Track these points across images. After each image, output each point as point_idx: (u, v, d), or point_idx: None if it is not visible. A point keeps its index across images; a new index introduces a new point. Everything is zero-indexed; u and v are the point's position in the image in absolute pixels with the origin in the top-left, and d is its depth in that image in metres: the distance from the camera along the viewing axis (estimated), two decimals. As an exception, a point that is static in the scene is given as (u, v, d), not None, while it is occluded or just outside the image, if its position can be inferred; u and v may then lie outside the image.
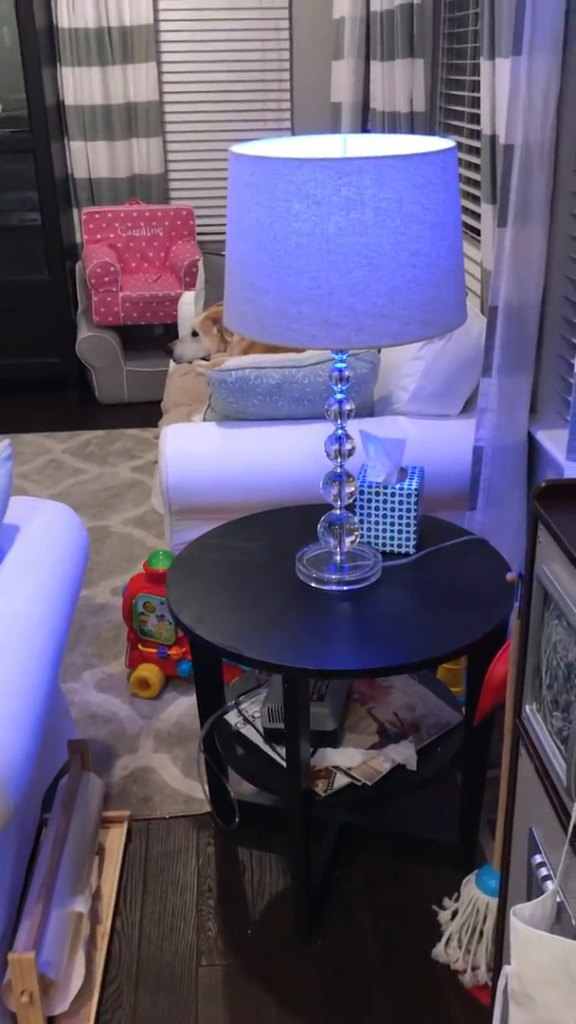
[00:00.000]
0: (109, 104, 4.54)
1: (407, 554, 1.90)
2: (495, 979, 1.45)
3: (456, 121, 3.28)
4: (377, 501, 1.87)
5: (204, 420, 2.65)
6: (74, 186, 4.68)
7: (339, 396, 1.69)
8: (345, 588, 1.77)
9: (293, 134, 4.76)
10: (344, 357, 1.67)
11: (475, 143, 3.03)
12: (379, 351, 2.71)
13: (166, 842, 2.06)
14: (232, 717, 1.98)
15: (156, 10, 4.49)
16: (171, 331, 4.62)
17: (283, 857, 2.02)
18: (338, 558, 1.81)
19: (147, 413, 4.37)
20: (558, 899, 1.08)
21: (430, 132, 3.38)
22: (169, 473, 2.42)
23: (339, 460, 1.74)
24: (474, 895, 1.74)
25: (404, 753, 1.83)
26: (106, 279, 4.24)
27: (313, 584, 1.79)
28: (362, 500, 1.88)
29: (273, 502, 2.43)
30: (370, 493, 1.87)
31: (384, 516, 1.88)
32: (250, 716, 1.97)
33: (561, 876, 1.08)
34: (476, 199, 3.02)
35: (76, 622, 2.85)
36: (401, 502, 1.86)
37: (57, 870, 1.77)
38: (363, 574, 1.79)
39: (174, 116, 4.71)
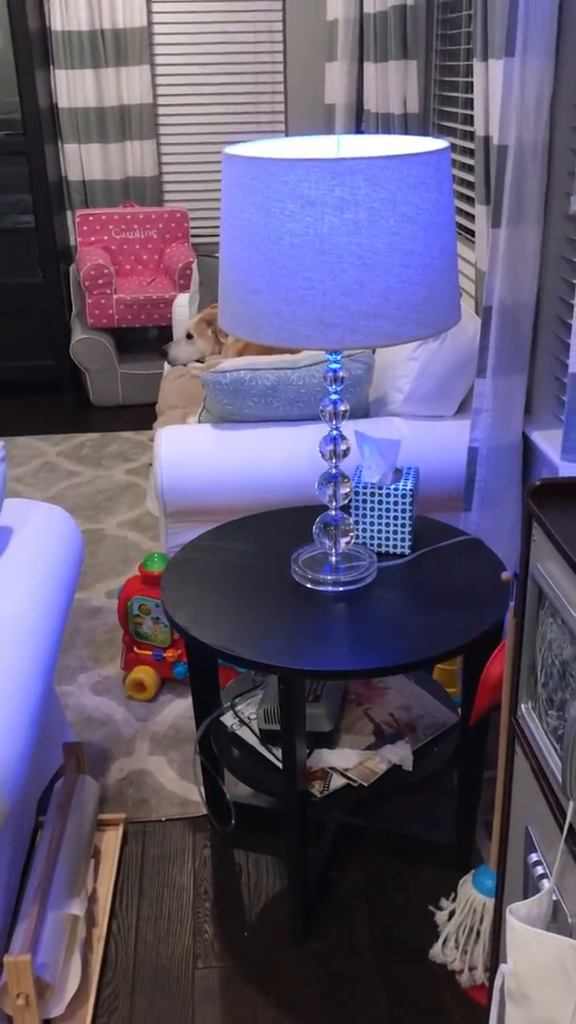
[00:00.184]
0: (103, 106, 4.55)
1: (402, 555, 1.90)
2: (492, 978, 1.45)
3: (450, 122, 3.29)
4: (372, 502, 1.87)
5: (199, 422, 2.65)
6: (68, 188, 4.68)
7: (334, 397, 1.69)
8: (341, 589, 1.77)
9: (287, 136, 4.77)
10: (339, 358, 1.67)
11: (469, 144, 3.04)
12: (374, 352, 2.71)
13: (162, 845, 2.06)
14: (228, 719, 1.98)
15: (149, 12, 4.50)
16: (165, 333, 4.62)
17: (279, 859, 2.02)
18: (333, 559, 1.81)
19: (142, 416, 4.37)
20: (554, 897, 1.08)
21: (424, 133, 3.38)
22: (164, 475, 2.42)
23: (334, 461, 1.74)
24: (471, 895, 1.74)
25: (400, 754, 1.83)
26: (100, 281, 4.23)
27: (309, 585, 1.79)
28: (357, 501, 1.88)
29: (268, 504, 2.43)
30: (365, 494, 1.87)
31: (379, 517, 1.88)
32: (246, 718, 1.96)
33: (557, 874, 1.08)
34: (470, 200, 3.03)
35: (71, 625, 2.84)
36: (396, 503, 1.86)
37: (53, 873, 1.77)
38: (358, 575, 1.79)
39: (168, 118, 4.71)
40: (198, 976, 1.77)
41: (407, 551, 1.89)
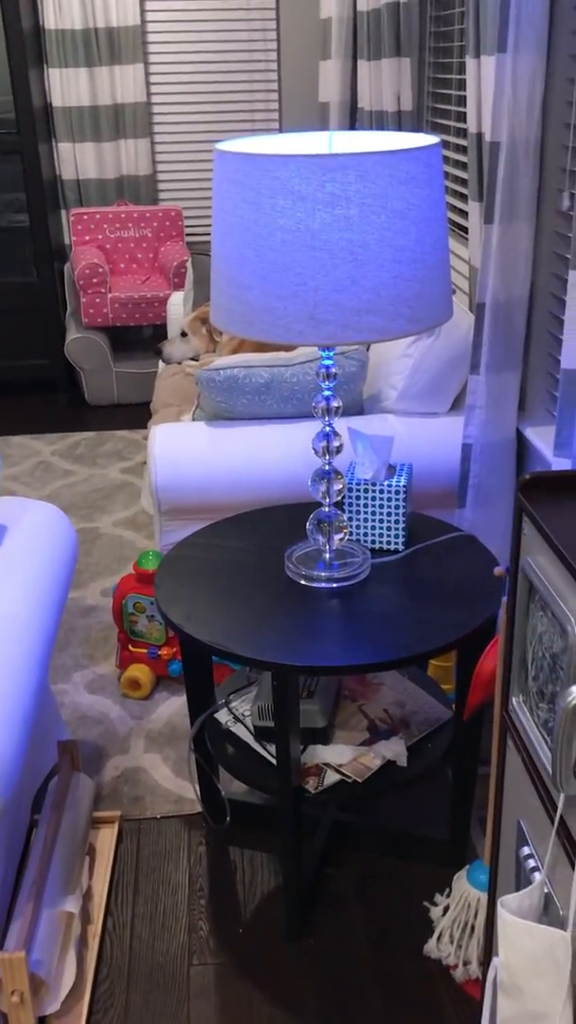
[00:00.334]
0: (96, 105, 4.54)
1: (396, 551, 1.90)
2: (485, 973, 1.45)
3: (443, 120, 3.29)
4: (366, 498, 1.88)
5: (193, 420, 2.65)
6: (62, 187, 4.67)
7: (327, 393, 1.69)
8: (334, 585, 1.77)
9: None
10: (331, 354, 1.68)
11: (462, 141, 3.04)
12: (368, 349, 2.71)
13: (157, 842, 2.06)
14: (222, 716, 1.98)
15: (143, 11, 4.49)
16: (160, 332, 4.62)
17: (274, 856, 2.02)
18: (327, 555, 1.81)
19: (137, 414, 4.37)
20: (545, 890, 1.08)
21: (418, 130, 3.38)
22: (158, 473, 2.42)
23: (327, 457, 1.74)
24: (465, 891, 1.74)
25: (394, 749, 1.84)
26: (95, 280, 4.23)
27: (302, 582, 1.79)
28: (351, 497, 1.88)
29: (262, 501, 2.43)
30: (359, 490, 1.87)
31: (373, 513, 1.88)
32: (240, 714, 1.97)
33: (548, 867, 1.08)
34: (464, 197, 3.03)
35: (66, 623, 2.84)
36: (390, 499, 1.86)
37: (48, 870, 1.77)
38: (352, 571, 1.79)
39: (162, 117, 4.71)
40: (193, 973, 1.78)
41: (401, 547, 1.90)
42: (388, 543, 1.90)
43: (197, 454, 2.45)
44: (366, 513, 1.89)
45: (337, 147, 1.66)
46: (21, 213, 4.39)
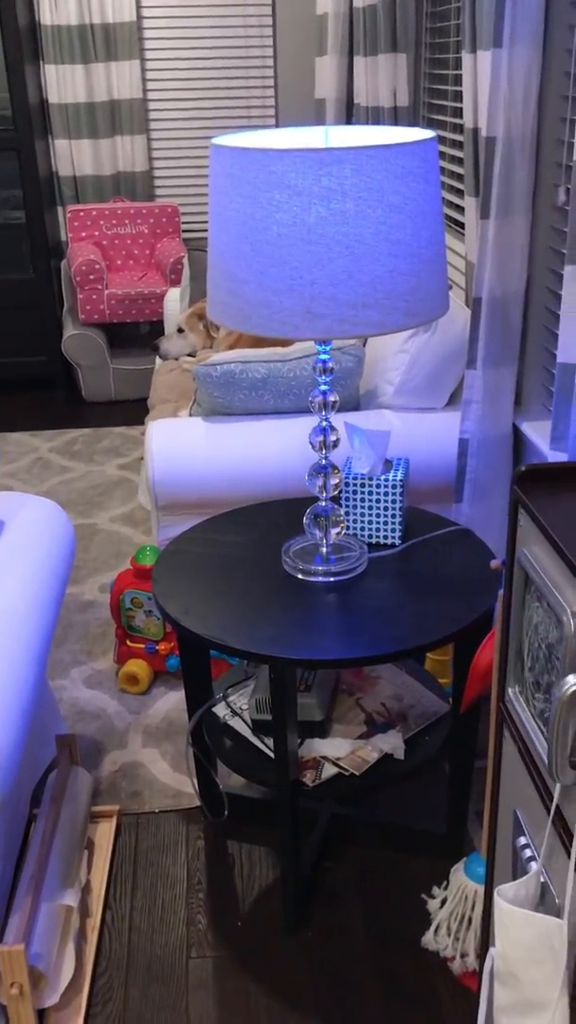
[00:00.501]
0: (93, 101, 4.54)
1: (393, 545, 1.90)
2: (482, 964, 1.46)
3: (439, 115, 3.29)
4: (363, 492, 1.88)
5: (190, 415, 2.66)
6: (59, 184, 4.67)
7: (323, 387, 1.70)
8: (331, 579, 1.78)
9: (277, 131, 4.76)
10: (328, 348, 1.68)
11: (458, 137, 3.04)
12: (364, 344, 2.72)
13: (155, 836, 2.07)
14: (220, 710, 1.98)
15: (139, 7, 4.49)
16: (157, 328, 4.62)
17: (272, 849, 2.03)
18: (324, 550, 1.82)
19: (133, 411, 4.37)
20: (541, 879, 1.09)
21: (414, 126, 3.39)
22: (155, 468, 2.42)
23: (324, 452, 1.74)
24: (462, 883, 1.75)
25: (392, 742, 1.84)
26: (91, 277, 4.23)
27: (300, 576, 1.79)
28: (347, 492, 1.89)
29: (259, 496, 2.44)
30: (355, 485, 1.88)
31: (370, 507, 1.89)
32: (238, 708, 1.97)
33: (544, 856, 1.09)
34: (460, 193, 3.03)
35: (64, 619, 2.85)
36: (386, 493, 1.87)
37: (46, 864, 1.78)
38: (349, 565, 1.80)
39: (158, 113, 4.71)
40: (192, 966, 1.78)
41: (397, 541, 1.90)
42: (385, 537, 1.90)
43: (194, 449, 2.46)
44: (363, 507, 1.89)
45: (333, 142, 1.67)
46: (18, 210, 4.39)
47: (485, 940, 1.45)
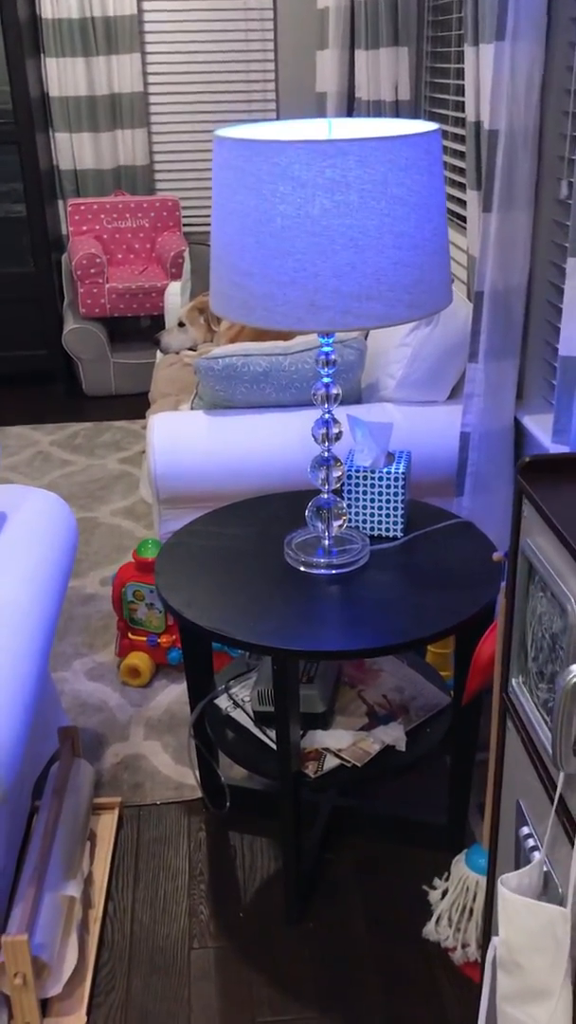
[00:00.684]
0: (94, 95, 4.53)
1: (395, 538, 1.91)
2: (484, 955, 1.47)
3: (441, 109, 3.29)
4: (365, 485, 1.88)
5: (192, 408, 2.66)
6: (59, 177, 4.67)
7: (326, 380, 1.70)
8: (333, 572, 1.78)
9: (278, 125, 4.75)
10: (331, 341, 1.68)
11: (460, 131, 3.04)
12: (366, 337, 2.72)
13: (157, 828, 2.07)
14: (222, 702, 1.99)
15: (140, 0, 4.48)
16: (158, 322, 4.62)
17: (274, 841, 2.03)
18: (326, 542, 1.82)
19: (134, 405, 4.37)
20: (544, 868, 1.09)
21: (415, 120, 3.38)
22: (157, 461, 2.42)
23: (326, 444, 1.74)
24: (464, 874, 1.76)
25: (393, 734, 1.85)
26: (92, 271, 4.23)
27: (302, 568, 1.80)
28: (350, 484, 1.89)
29: (261, 489, 2.44)
30: (358, 477, 1.88)
31: (372, 500, 1.89)
32: (240, 700, 1.98)
33: (547, 846, 1.09)
34: (462, 187, 3.03)
35: (65, 612, 2.85)
36: (389, 486, 1.87)
37: (49, 855, 1.78)
38: (351, 558, 1.80)
39: (159, 107, 4.70)
40: (194, 956, 1.79)
41: (399, 534, 1.91)
42: (387, 530, 1.91)
43: (196, 443, 2.46)
44: (365, 500, 1.89)
45: (337, 134, 1.67)
46: (18, 203, 4.39)
47: (487, 930, 1.46)
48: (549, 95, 2.12)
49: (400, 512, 1.88)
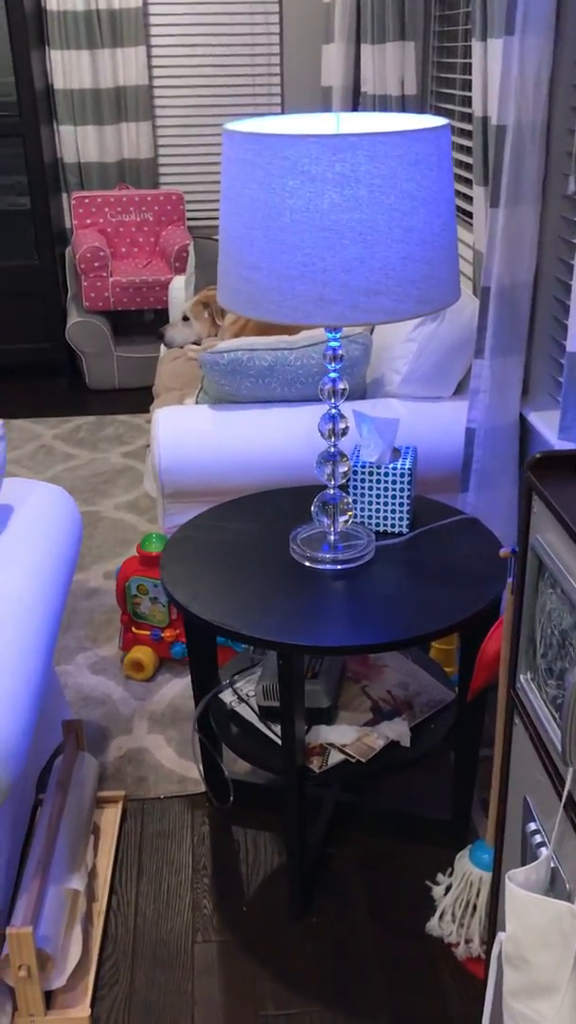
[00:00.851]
0: (98, 88, 4.53)
1: (400, 534, 1.91)
2: (489, 950, 1.47)
3: (448, 104, 3.28)
4: (371, 481, 1.88)
5: (196, 403, 2.65)
6: (63, 170, 4.66)
7: (333, 375, 1.69)
8: (339, 567, 1.78)
9: (283, 119, 4.74)
10: (338, 335, 1.68)
11: (467, 126, 3.03)
12: (371, 332, 2.72)
13: (161, 821, 2.08)
14: (227, 696, 1.99)
15: (145, -7, 4.47)
16: (162, 316, 4.62)
17: (278, 835, 2.04)
18: (332, 537, 1.82)
19: (138, 399, 4.37)
20: (552, 864, 1.09)
21: (422, 114, 3.38)
22: (161, 456, 2.42)
23: (333, 439, 1.74)
24: (467, 869, 1.76)
25: (397, 730, 1.85)
26: (96, 264, 4.22)
27: (307, 563, 1.79)
28: (355, 480, 1.89)
29: (266, 484, 2.44)
30: (363, 473, 1.88)
31: (377, 496, 1.89)
32: (245, 695, 1.98)
33: (555, 841, 1.09)
34: (469, 183, 3.03)
35: (69, 606, 2.85)
36: (394, 481, 1.87)
37: (53, 848, 1.78)
38: (356, 553, 1.80)
39: (164, 100, 4.69)
40: (197, 950, 1.79)
41: (405, 530, 1.90)
42: (392, 525, 1.91)
43: (201, 437, 2.45)
44: (371, 496, 1.89)
45: (345, 128, 1.66)
46: (22, 196, 4.38)
47: (492, 926, 1.46)
48: (558, 90, 2.11)
49: (406, 508, 1.88)
